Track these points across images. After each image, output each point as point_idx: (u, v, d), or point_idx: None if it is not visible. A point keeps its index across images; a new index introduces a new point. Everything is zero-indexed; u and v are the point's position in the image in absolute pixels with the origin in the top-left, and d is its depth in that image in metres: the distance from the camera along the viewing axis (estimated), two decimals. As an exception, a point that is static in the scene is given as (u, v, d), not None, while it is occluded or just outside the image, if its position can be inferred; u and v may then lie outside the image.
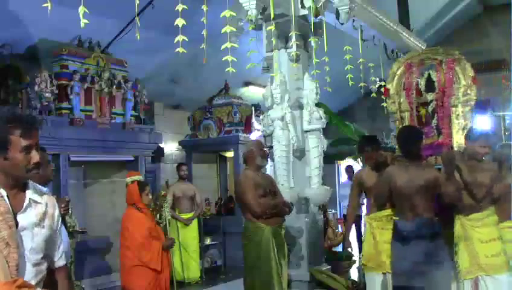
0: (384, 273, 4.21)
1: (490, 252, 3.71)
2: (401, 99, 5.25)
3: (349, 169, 9.26)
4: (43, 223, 2.00)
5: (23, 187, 1.99)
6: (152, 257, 4.70)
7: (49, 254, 2.07)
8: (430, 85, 5.15)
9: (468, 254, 3.76)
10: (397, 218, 3.78)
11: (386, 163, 4.34)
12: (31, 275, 1.93)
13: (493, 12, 11.17)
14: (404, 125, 5.03)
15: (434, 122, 5.21)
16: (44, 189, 3.08)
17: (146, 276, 4.67)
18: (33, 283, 1.92)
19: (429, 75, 5.20)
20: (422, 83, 5.23)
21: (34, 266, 1.95)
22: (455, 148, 4.89)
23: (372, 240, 4.36)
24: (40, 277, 1.99)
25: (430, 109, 5.24)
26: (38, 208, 2.01)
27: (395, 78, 5.29)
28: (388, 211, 4.15)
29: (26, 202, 1.96)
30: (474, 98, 5.09)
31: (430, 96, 5.17)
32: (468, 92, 5.02)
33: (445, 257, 3.64)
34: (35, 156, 1.95)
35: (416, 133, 3.91)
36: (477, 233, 3.76)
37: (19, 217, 1.92)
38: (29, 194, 1.98)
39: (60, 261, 2.16)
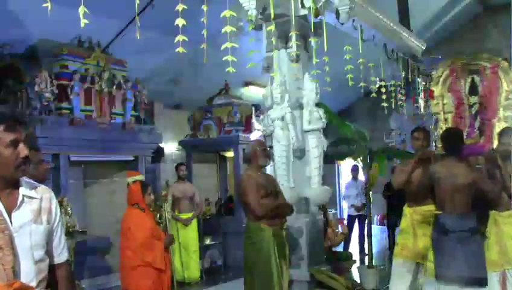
0: (417, 263, 4.44)
1: None
2: (445, 101, 5.53)
3: (354, 169, 9.25)
4: (39, 219, 1.96)
5: (16, 185, 1.95)
6: (155, 257, 4.70)
7: (49, 250, 2.04)
8: (473, 89, 5.44)
9: (498, 248, 4.00)
10: (439, 212, 4.05)
11: (429, 160, 4.48)
12: (32, 274, 1.90)
13: (493, 12, 11.16)
14: (448, 126, 5.33)
15: (477, 124, 5.49)
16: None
17: (149, 276, 4.66)
18: (34, 282, 1.89)
19: (473, 79, 5.47)
20: (466, 86, 5.52)
21: (35, 263, 1.92)
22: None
23: (411, 231, 4.54)
24: (41, 276, 1.95)
25: (473, 111, 5.52)
26: (33, 203, 1.97)
27: (440, 81, 5.56)
28: (429, 207, 4.35)
29: (20, 198, 1.93)
30: None
31: (473, 100, 5.48)
32: (510, 96, 5.29)
33: (481, 250, 3.91)
34: (23, 150, 1.91)
35: (457, 134, 4.30)
36: (509, 229, 4.01)
37: (14, 215, 1.89)
38: (22, 190, 1.95)
39: (60, 256, 2.11)
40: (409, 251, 4.52)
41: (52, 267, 2.06)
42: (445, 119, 5.51)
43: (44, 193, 2.04)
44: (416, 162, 4.53)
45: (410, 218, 4.61)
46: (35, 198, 1.99)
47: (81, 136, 6.43)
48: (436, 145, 5.48)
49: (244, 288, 4.32)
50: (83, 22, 2.54)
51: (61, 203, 3.52)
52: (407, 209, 4.70)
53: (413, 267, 4.50)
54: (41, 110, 6.12)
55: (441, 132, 5.23)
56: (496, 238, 4.03)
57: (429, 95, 5.74)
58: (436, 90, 5.56)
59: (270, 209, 4.21)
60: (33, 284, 1.89)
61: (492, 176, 3.96)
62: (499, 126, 5.24)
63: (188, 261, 7.21)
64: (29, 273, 1.89)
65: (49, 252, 2.03)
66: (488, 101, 5.29)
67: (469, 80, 5.45)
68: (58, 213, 2.11)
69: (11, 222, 1.88)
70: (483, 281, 3.84)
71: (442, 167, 4.07)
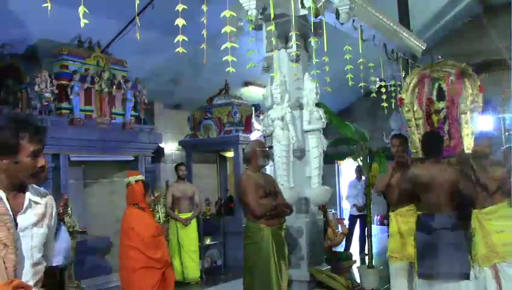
0: (410, 263, 4.59)
1: (506, 241, 4.08)
2: (415, 108, 5.75)
3: (358, 169, 9.24)
4: (42, 223, 2.03)
5: (23, 189, 2.02)
6: (163, 253, 4.78)
7: (45, 254, 2.10)
8: (441, 94, 5.71)
9: (485, 244, 4.14)
10: (420, 212, 4.27)
11: (406, 164, 4.73)
12: (29, 275, 1.95)
13: (493, 12, 11.15)
14: (426, 131, 5.54)
15: (446, 127, 5.70)
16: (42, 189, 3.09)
17: (153, 275, 4.68)
18: (31, 283, 1.94)
19: (439, 85, 5.73)
20: (434, 92, 5.76)
21: (33, 266, 1.98)
22: (466, 151, 5.32)
23: (398, 234, 4.74)
24: (38, 277, 2.01)
25: (441, 115, 5.74)
26: (38, 208, 2.04)
27: (409, 89, 5.79)
28: (411, 207, 4.60)
29: (26, 203, 1.99)
30: (481, 105, 5.60)
31: (441, 105, 5.71)
32: (476, 100, 5.54)
33: (463, 246, 4.08)
34: (41, 161, 2.00)
35: (438, 137, 4.56)
36: (492, 225, 4.16)
37: (19, 218, 1.95)
38: (29, 195, 2.02)
39: (50, 261, 2.19)
40: (399, 254, 4.70)
41: (47, 270, 2.12)
42: (417, 125, 5.78)
43: (48, 200, 2.12)
44: (393, 168, 4.85)
45: (395, 221, 4.81)
46: (40, 203, 2.06)
47: (81, 136, 6.43)
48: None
49: (244, 288, 4.32)
50: (83, 22, 2.54)
51: (65, 204, 3.52)
52: (391, 214, 4.92)
53: (407, 268, 4.65)
54: (41, 110, 6.12)
55: (413, 136, 5.62)
56: (482, 235, 4.19)
57: (399, 102, 5.99)
58: (406, 98, 5.83)
59: (269, 209, 4.21)
60: (30, 284, 1.93)
61: (466, 175, 4.16)
62: (466, 128, 5.55)
63: (188, 261, 7.20)
64: (27, 274, 1.95)
65: (45, 256, 2.09)
66: (455, 106, 5.59)
67: (436, 86, 5.75)
68: (56, 218, 2.20)
69: (16, 223, 1.94)
70: (466, 275, 4.02)
71: (422, 169, 4.26)
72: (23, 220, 1.96)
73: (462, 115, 5.59)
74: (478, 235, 4.21)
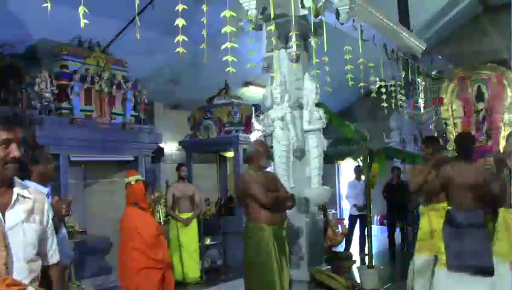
0: (435, 255, 4.72)
1: None
2: (454, 108, 6.00)
3: (357, 169, 9.25)
4: (32, 218, 2.01)
5: (10, 185, 2.00)
6: (164, 254, 4.80)
7: (42, 250, 2.08)
8: (480, 96, 5.96)
9: (507, 241, 4.35)
10: (450, 208, 4.42)
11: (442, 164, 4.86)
12: (25, 272, 1.93)
13: (493, 12, 11.17)
14: (459, 131, 5.76)
15: (484, 128, 5.98)
16: (44, 189, 3.08)
17: (155, 276, 4.68)
18: (27, 281, 1.92)
19: (479, 87, 5.99)
20: (473, 94, 6.05)
21: (27, 263, 1.95)
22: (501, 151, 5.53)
23: (428, 227, 5.01)
24: (33, 275, 1.98)
25: (480, 116, 6.02)
26: (27, 203, 2.02)
27: (449, 89, 6.05)
28: (443, 204, 4.70)
29: (14, 197, 1.97)
30: None
31: (480, 106, 6.00)
32: None
33: (489, 243, 4.28)
34: (13, 150, 1.95)
35: (470, 138, 4.74)
36: None
37: (8, 214, 1.94)
38: (17, 190, 2.00)
39: (53, 258, 2.17)
40: (427, 246, 4.96)
41: (44, 269, 2.10)
42: (455, 124, 5.99)
43: (37, 195, 2.10)
44: (432, 167, 4.96)
45: (427, 215, 5.08)
46: (29, 198, 2.03)
47: (81, 136, 6.43)
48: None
49: (245, 288, 4.32)
50: (83, 22, 2.54)
51: (69, 205, 3.51)
52: (423, 208, 5.19)
53: (432, 261, 4.85)
54: (41, 110, 6.12)
55: (450, 136, 5.79)
56: (506, 233, 4.37)
57: (439, 102, 6.22)
58: (446, 97, 6.03)
59: (274, 198, 4.21)
60: (26, 282, 1.91)
61: (496, 176, 4.31)
62: (504, 129, 5.71)
63: (188, 261, 7.21)
64: (21, 271, 1.92)
65: (41, 254, 2.07)
66: (494, 107, 5.80)
67: (475, 87, 5.97)
68: (51, 216, 2.16)
69: (4, 220, 1.92)
70: (489, 271, 4.17)
71: (455, 168, 4.42)
72: (12, 215, 1.94)
73: (501, 116, 5.80)
74: (502, 232, 4.38)
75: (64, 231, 3.46)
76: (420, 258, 5.04)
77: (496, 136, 5.78)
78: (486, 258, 4.20)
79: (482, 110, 5.92)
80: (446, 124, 6.04)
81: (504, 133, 5.67)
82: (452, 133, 5.86)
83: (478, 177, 4.30)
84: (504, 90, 5.73)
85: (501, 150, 5.46)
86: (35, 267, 2.01)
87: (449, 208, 4.49)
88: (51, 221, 2.16)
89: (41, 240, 2.06)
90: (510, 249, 4.37)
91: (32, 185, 2.42)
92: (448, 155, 5.51)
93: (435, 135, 5.85)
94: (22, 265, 1.93)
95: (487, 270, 4.17)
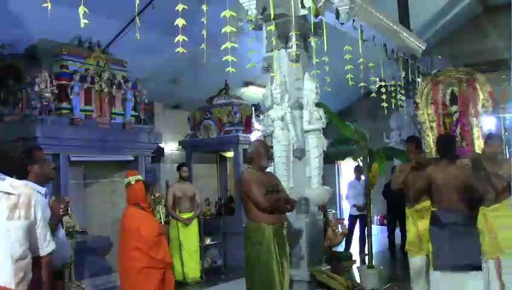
0: (426, 255, 4.89)
1: (508, 236, 4.27)
2: (429, 112, 6.10)
3: (358, 169, 9.24)
4: (16, 215, 1.96)
5: None
6: (165, 253, 4.80)
7: (32, 244, 2.04)
8: (454, 99, 6.12)
9: (489, 239, 4.34)
10: (435, 209, 4.58)
11: (424, 165, 4.95)
12: (10, 273, 1.88)
13: (493, 12, 11.17)
14: (440, 134, 5.90)
15: (458, 130, 6.09)
16: (41, 189, 3.08)
17: (156, 276, 4.68)
18: (14, 281, 1.87)
19: (452, 90, 6.13)
20: (447, 97, 6.17)
21: (15, 262, 1.91)
22: (476, 151, 5.59)
23: (414, 229, 5.13)
24: (21, 275, 1.93)
25: (454, 119, 6.14)
26: (11, 199, 1.97)
27: (424, 94, 6.15)
28: (426, 203, 4.90)
29: None
30: (491, 108, 6.00)
31: (453, 109, 6.13)
32: (486, 104, 5.91)
33: (474, 240, 4.35)
34: None
35: (452, 139, 4.99)
36: (497, 221, 4.34)
37: None
38: (0, 187, 1.95)
39: (47, 248, 2.14)
40: (416, 248, 5.08)
41: (37, 260, 2.07)
42: (431, 127, 6.11)
43: (24, 190, 2.05)
44: (412, 167, 5.12)
45: (411, 217, 5.17)
46: (13, 193, 1.98)
47: (81, 136, 6.42)
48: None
49: (246, 288, 4.32)
50: (83, 22, 2.55)
51: (66, 206, 3.50)
52: (408, 211, 5.25)
53: (424, 260, 4.99)
54: (41, 110, 6.12)
55: (427, 138, 5.99)
56: (487, 230, 4.41)
57: (416, 106, 6.43)
58: (421, 102, 6.18)
59: (274, 201, 4.20)
60: (11, 284, 1.87)
61: (478, 175, 4.39)
62: (477, 131, 5.91)
63: (188, 261, 7.20)
64: (6, 272, 1.88)
65: (32, 247, 2.02)
66: (467, 109, 5.97)
67: (449, 91, 6.15)
68: (39, 209, 2.10)
69: None
70: (477, 266, 4.32)
71: (437, 169, 4.59)
72: None
73: (474, 118, 5.95)
74: (484, 231, 4.42)
75: (62, 232, 3.46)
76: (414, 263, 5.15)
77: (469, 138, 5.98)
78: (472, 255, 4.32)
79: (455, 112, 6.14)
80: (422, 128, 6.25)
81: (477, 133, 5.91)
82: (429, 136, 6.06)
83: (462, 177, 4.44)
84: (476, 93, 5.93)
85: (476, 151, 5.65)
86: (24, 265, 1.95)
87: (434, 209, 4.62)
88: (41, 214, 2.10)
89: (31, 234, 2.01)
90: (491, 247, 4.40)
91: (29, 185, 2.40)
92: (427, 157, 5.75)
93: (416, 135, 6.00)
94: (8, 265, 1.88)
95: (473, 267, 4.32)
